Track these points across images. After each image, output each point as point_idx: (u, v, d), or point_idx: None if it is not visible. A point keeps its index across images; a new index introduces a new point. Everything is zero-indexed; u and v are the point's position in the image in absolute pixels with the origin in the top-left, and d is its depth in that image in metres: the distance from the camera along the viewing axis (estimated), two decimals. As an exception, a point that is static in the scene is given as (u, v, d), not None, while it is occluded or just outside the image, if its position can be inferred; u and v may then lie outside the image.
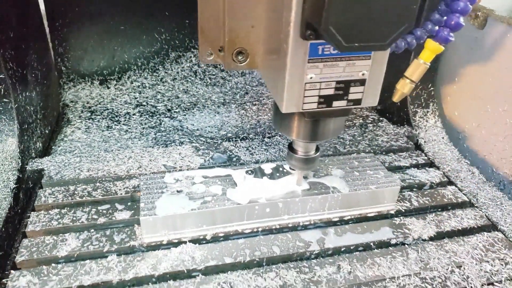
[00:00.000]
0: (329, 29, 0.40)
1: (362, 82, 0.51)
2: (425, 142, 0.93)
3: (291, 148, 0.64)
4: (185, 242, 0.64)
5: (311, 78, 0.49)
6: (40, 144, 0.85)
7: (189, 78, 1.16)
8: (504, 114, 0.80)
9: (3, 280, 0.58)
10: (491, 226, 0.72)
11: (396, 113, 1.02)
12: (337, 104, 0.52)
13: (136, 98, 1.10)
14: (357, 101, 0.52)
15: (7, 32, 0.76)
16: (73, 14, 1.05)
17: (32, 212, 0.69)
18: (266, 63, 0.54)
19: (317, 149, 0.64)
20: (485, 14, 0.81)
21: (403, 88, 0.61)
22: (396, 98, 0.63)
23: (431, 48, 0.58)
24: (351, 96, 0.51)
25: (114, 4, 1.06)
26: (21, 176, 0.73)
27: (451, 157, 0.89)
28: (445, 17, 0.56)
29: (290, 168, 0.71)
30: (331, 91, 0.50)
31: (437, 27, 0.57)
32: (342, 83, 0.50)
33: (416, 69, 0.59)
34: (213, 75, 1.18)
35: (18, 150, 0.74)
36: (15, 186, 0.69)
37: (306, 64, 0.47)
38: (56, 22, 1.04)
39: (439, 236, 0.69)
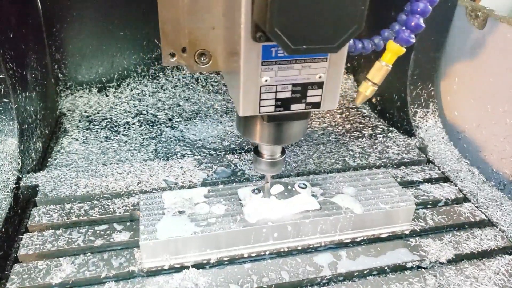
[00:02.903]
0: (275, 31, 0.38)
1: (319, 85, 0.49)
2: (425, 142, 0.92)
3: (256, 152, 0.62)
4: (187, 267, 0.60)
5: (266, 81, 0.47)
6: (40, 144, 0.84)
7: (191, 85, 1.12)
8: (504, 114, 0.79)
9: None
10: (513, 248, 0.68)
11: (396, 113, 1.00)
12: (295, 107, 0.51)
13: (135, 106, 1.06)
14: (316, 104, 0.51)
15: (7, 33, 0.75)
16: (71, 19, 1.00)
17: (24, 234, 0.65)
18: (227, 65, 0.53)
19: (282, 152, 0.62)
20: (485, 14, 0.81)
21: (365, 90, 0.60)
22: (358, 101, 0.62)
23: (393, 50, 0.57)
24: (309, 99, 0.50)
25: (113, 9, 1.02)
26: (21, 176, 0.72)
27: (451, 157, 0.88)
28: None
29: (299, 187, 0.67)
30: (288, 94, 0.49)
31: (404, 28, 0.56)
32: (299, 86, 0.49)
33: (378, 71, 0.59)
34: (215, 82, 1.14)
35: (18, 150, 0.73)
36: (15, 186, 0.68)
37: (260, 66, 0.46)
38: (54, 27, 1.00)
39: (458, 259, 0.65)
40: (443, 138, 0.93)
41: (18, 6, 0.82)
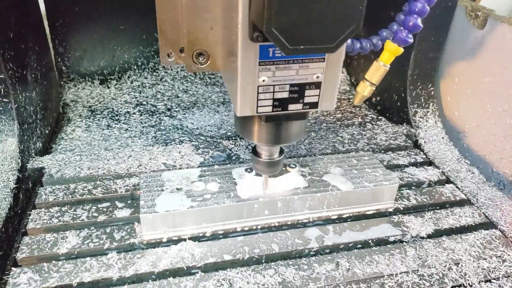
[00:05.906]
0: (272, 31, 0.38)
1: (317, 85, 0.50)
2: (425, 142, 0.93)
3: (254, 152, 0.63)
4: (184, 240, 0.65)
5: (263, 81, 0.48)
6: (40, 144, 0.86)
7: (189, 78, 1.17)
8: (504, 114, 0.80)
9: (4, 278, 0.58)
10: (489, 224, 0.72)
11: (396, 113, 1.02)
12: (293, 107, 0.51)
13: (136, 97, 1.10)
14: (314, 105, 0.51)
15: (7, 32, 0.76)
16: (73, 13, 1.05)
17: (32, 210, 0.69)
18: (224, 65, 0.54)
19: (281, 152, 0.63)
20: (485, 14, 0.81)
21: (363, 90, 0.60)
22: (356, 101, 0.62)
23: (390, 50, 0.57)
24: (307, 100, 0.51)
25: (114, 4, 1.06)
26: (21, 176, 0.73)
27: (451, 157, 0.89)
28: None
29: (289, 167, 0.71)
30: (285, 94, 0.50)
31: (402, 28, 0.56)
32: (296, 86, 0.49)
33: (376, 71, 0.58)
34: (213, 74, 1.19)
35: (18, 150, 0.74)
36: (15, 186, 0.69)
37: (257, 66, 0.47)
38: (56, 22, 1.05)
39: (437, 234, 0.69)
40: (443, 138, 0.94)
41: (18, 6, 0.83)
